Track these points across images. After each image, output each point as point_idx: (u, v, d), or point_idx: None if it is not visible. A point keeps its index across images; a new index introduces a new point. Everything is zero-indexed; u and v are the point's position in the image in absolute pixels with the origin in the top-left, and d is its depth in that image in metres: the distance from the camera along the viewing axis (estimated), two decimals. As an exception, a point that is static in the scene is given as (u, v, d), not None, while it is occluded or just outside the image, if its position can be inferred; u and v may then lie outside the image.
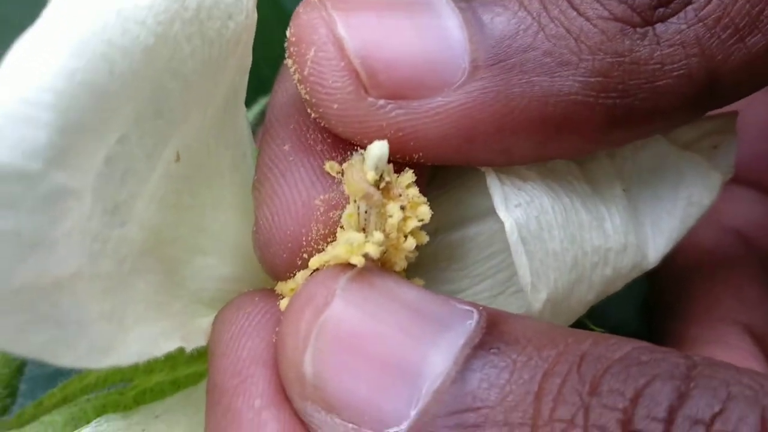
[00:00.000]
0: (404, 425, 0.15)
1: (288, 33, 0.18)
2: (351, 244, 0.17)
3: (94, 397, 0.18)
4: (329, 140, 0.18)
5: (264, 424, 0.16)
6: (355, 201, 0.17)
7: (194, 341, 0.18)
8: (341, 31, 0.17)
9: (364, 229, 0.17)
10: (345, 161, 0.18)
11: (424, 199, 0.17)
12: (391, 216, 0.17)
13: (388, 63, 0.17)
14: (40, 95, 0.13)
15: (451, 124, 0.17)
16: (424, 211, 0.17)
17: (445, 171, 0.20)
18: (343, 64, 0.17)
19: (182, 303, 0.18)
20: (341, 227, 0.18)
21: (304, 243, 0.18)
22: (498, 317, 0.16)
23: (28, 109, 0.13)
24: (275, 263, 0.18)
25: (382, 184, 0.17)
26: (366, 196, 0.17)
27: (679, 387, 0.14)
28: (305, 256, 0.18)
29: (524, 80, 0.17)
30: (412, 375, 0.15)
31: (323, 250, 0.18)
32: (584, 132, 0.18)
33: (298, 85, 0.18)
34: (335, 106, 0.17)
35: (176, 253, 0.18)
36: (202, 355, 0.19)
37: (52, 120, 0.13)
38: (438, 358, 0.15)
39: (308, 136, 0.18)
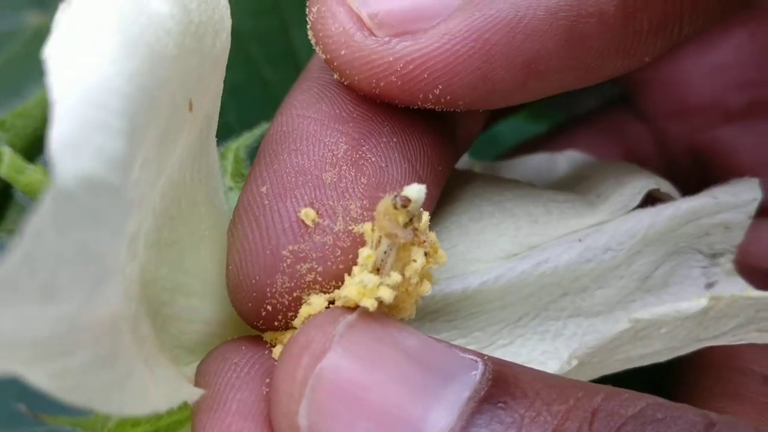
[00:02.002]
0: None
1: None
2: (365, 286, 0.16)
3: None
4: (310, 184, 0.17)
5: None
6: (374, 241, 0.16)
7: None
8: None
9: (378, 270, 0.16)
10: (325, 208, 0.17)
11: (439, 245, 0.17)
12: (415, 261, 0.16)
13: (388, 4, 0.17)
14: (108, 99, 0.12)
15: (461, 44, 0.17)
16: (442, 256, 0.17)
17: (446, 222, 0.20)
18: (342, 9, 0.17)
19: (164, 346, 0.17)
20: (359, 266, 0.17)
21: (269, 294, 0.17)
22: (504, 368, 0.15)
23: (101, 114, 0.12)
24: (243, 310, 0.17)
25: (411, 227, 0.16)
26: (393, 236, 0.16)
27: None
28: (269, 308, 0.17)
29: None
30: (414, 430, 0.14)
31: (287, 304, 0.17)
32: (599, 23, 0.17)
33: (315, 47, 0.17)
34: (343, 51, 0.17)
35: (158, 293, 0.17)
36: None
37: (124, 127, 0.12)
38: (441, 412, 0.14)
39: (289, 178, 0.17)
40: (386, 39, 0.17)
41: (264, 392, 0.16)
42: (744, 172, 0.25)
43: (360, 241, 0.17)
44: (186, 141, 0.16)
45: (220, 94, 0.17)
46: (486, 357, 0.15)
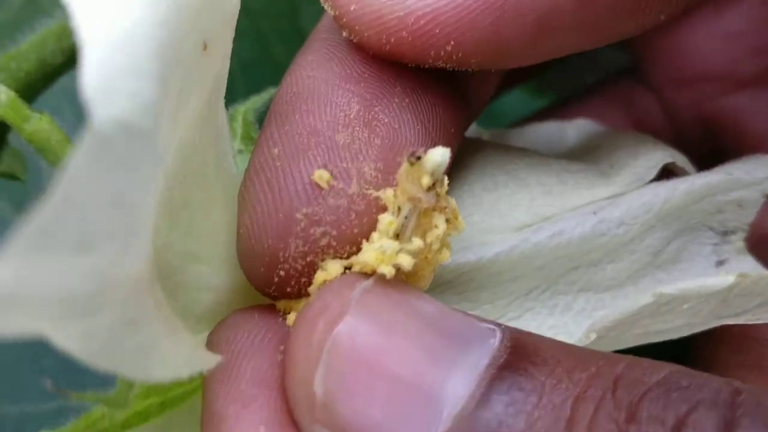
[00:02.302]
0: None
1: None
2: (383, 252, 0.15)
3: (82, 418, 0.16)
4: (324, 146, 0.17)
5: None
6: (395, 207, 0.16)
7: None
8: None
9: (397, 236, 0.16)
10: (339, 170, 0.16)
11: (459, 213, 0.16)
12: (437, 227, 0.16)
13: None
14: (139, 44, 0.12)
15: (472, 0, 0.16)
16: (461, 223, 0.16)
17: (459, 191, 0.20)
18: None
19: (176, 313, 0.16)
20: (378, 231, 0.16)
21: (282, 259, 0.16)
22: (523, 336, 0.15)
23: (133, 59, 0.11)
24: (254, 276, 0.17)
25: (434, 191, 0.15)
26: (416, 200, 0.15)
27: (725, 415, 0.13)
28: (282, 273, 0.16)
29: None
30: (432, 397, 0.14)
31: (301, 269, 0.16)
32: None
33: (324, 4, 0.17)
34: (352, 7, 0.16)
35: (168, 259, 0.16)
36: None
37: (155, 73, 0.12)
38: (460, 379, 0.14)
39: (301, 139, 0.17)
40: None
41: (278, 360, 0.16)
42: (755, 142, 0.25)
43: (375, 205, 0.16)
44: (197, 98, 0.16)
45: (229, 55, 0.17)
46: (504, 326, 0.15)
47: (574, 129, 0.24)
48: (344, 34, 0.17)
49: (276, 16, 0.32)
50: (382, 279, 0.15)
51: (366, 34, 0.17)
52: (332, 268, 0.16)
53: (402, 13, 0.16)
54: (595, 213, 0.19)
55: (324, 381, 0.14)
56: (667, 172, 0.21)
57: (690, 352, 0.22)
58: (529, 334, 0.15)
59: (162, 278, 0.16)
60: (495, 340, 0.15)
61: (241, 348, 0.16)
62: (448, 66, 0.18)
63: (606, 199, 0.19)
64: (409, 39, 0.17)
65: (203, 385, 0.16)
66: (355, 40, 0.17)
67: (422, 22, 0.16)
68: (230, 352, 0.16)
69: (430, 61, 0.17)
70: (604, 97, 0.28)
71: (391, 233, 0.16)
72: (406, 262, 0.15)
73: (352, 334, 0.14)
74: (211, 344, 0.16)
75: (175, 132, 0.14)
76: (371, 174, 0.16)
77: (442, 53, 0.17)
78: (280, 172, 0.16)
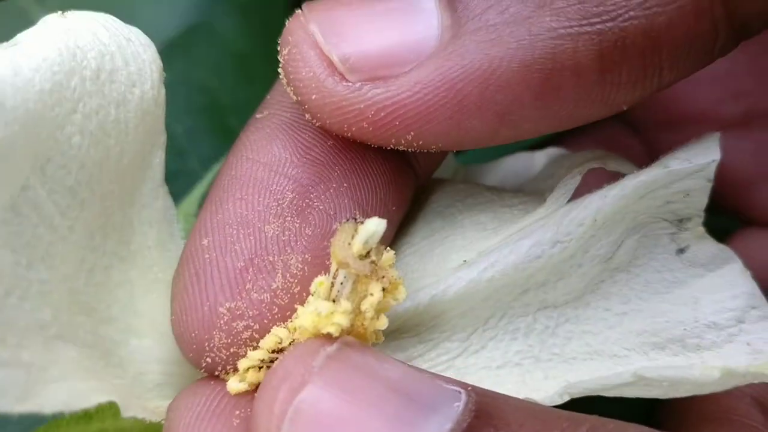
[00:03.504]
0: None
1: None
2: (319, 314, 0.16)
3: None
4: (252, 238, 0.17)
5: None
6: (333, 270, 0.16)
7: (144, 416, 0.17)
8: (312, 26, 0.17)
9: (333, 301, 0.16)
10: (264, 263, 0.17)
11: (402, 280, 0.17)
12: (372, 294, 0.16)
13: (360, 47, 0.17)
14: None
15: (433, 93, 0.17)
16: (402, 293, 0.17)
17: (400, 245, 0.20)
18: (313, 53, 0.17)
19: (125, 383, 0.17)
20: (312, 295, 0.17)
21: (207, 348, 0.17)
22: (487, 398, 0.15)
23: None
24: (187, 357, 0.17)
25: (369, 260, 0.16)
26: (345, 266, 0.16)
27: None
28: (209, 360, 0.17)
29: (504, 32, 0.16)
30: None
31: (225, 358, 0.17)
32: (574, 76, 0.16)
33: (286, 89, 0.18)
34: (314, 96, 0.17)
35: (112, 333, 0.17)
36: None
37: None
38: None
39: (231, 230, 0.17)
40: (357, 85, 0.17)
41: (234, 424, 0.16)
42: (736, 180, 0.25)
43: (298, 299, 0.17)
44: (121, 184, 0.17)
45: (163, 145, 0.18)
46: (470, 387, 0.15)
47: (543, 156, 0.24)
48: (307, 116, 0.18)
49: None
50: (345, 344, 0.16)
51: (327, 122, 0.17)
52: (254, 356, 0.17)
53: (362, 106, 0.17)
54: (525, 238, 0.19)
55: None
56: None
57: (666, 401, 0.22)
58: (495, 395, 0.15)
59: (106, 354, 0.17)
60: (460, 404, 0.15)
61: (198, 414, 0.16)
62: (409, 149, 0.18)
63: (537, 221, 0.19)
64: (370, 129, 0.17)
65: None
66: (317, 125, 0.18)
67: (382, 114, 0.17)
68: (188, 418, 0.16)
69: (392, 146, 0.18)
70: (586, 136, 0.28)
71: (322, 294, 0.16)
72: (343, 320, 0.16)
73: (315, 402, 0.15)
74: (170, 411, 0.17)
75: (71, 214, 0.16)
76: (298, 267, 0.17)
77: (403, 141, 0.17)
78: (207, 264, 0.17)
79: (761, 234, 0.25)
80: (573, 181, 0.19)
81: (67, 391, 0.14)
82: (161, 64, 0.18)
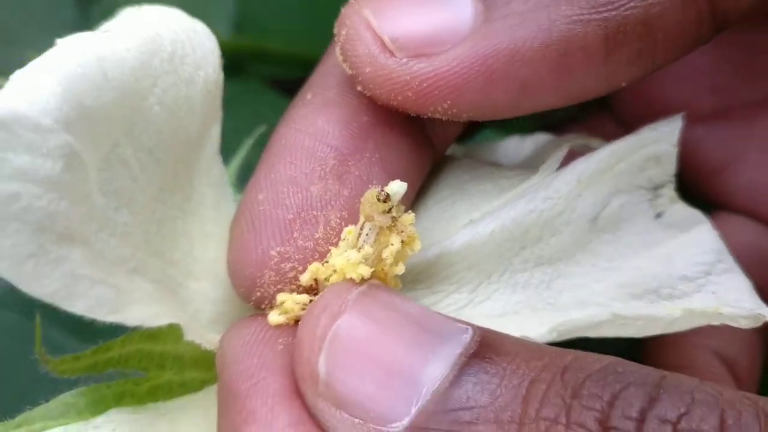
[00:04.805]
0: (405, 421, 0.17)
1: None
2: (348, 259, 0.19)
3: (114, 384, 0.19)
4: (299, 195, 0.20)
5: (277, 416, 0.18)
6: (361, 223, 0.20)
7: (201, 342, 0.20)
8: (366, 12, 0.20)
9: (359, 249, 0.20)
10: (309, 217, 0.20)
11: (417, 234, 0.20)
12: (392, 245, 0.19)
13: (407, 29, 0.20)
14: (48, 83, 0.17)
15: (468, 68, 0.20)
16: (417, 245, 0.20)
17: (417, 208, 0.23)
18: (368, 34, 0.20)
19: (186, 317, 0.20)
20: (342, 241, 0.20)
21: (257, 284, 0.20)
22: (490, 333, 0.18)
23: (40, 80, 0.16)
24: (239, 294, 0.21)
25: (390, 215, 0.19)
26: (371, 219, 0.19)
27: (650, 392, 0.16)
28: (258, 294, 0.20)
29: (527, 18, 0.20)
30: (414, 379, 0.17)
31: (272, 293, 0.20)
32: (585, 55, 0.20)
33: (342, 64, 0.21)
34: (368, 69, 0.20)
35: (176, 275, 0.20)
36: (206, 362, 0.21)
37: (59, 103, 0.16)
38: (437, 365, 0.17)
39: (282, 188, 0.20)
40: (404, 60, 0.20)
41: (279, 350, 0.19)
42: (711, 170, 0.28)
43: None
44: (187, 149, 0.20)
45: (219, 120, 0.21)
46: (474, 325, 0.18)
47: (532, 141, 0.27)
48: (358, 88, 0.21)
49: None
50: (374, 284, 0.19)
51: (377, 92, 0.21)
52: (313, 268, 0.20)
53: (408, 77, 0.20)
54: (522, 197, 0.22)
55: (326, 364, 0.18)
56: None
57: (641, 351, 0.25)
58: (495, 333, 0.19)
59: (171, 291, 0.20)
60: (467, 336, 0.18)
61: (250, 340, 0.20)
62: (444, 117, 0.21)
63: (531, 185, 0.22)
64: (414, 98, 0.20)
65: (218, 373, 0.19)
66: (368, 95, 0.21)
67: (424, 84, 0.20)
68: (241, 344, 0.19)
69: (429, 113, 0.21)
70: (577, 125, 0.31)
71: (350, 241, 0.20)
72: (365, 271, 0.19)
73: (349, 328, 0.18)
74: (225, 339, 0.20)
75: (150, 170, 0.19)
76: (336, 221, 0.20)
77: (440, 109, 0.21)
78: (261, 215, 0.20)
79: (730, 218, 0.28)
80: (561, 153, 0.23)
81: (144, 312, 0.18)
82: (220, 53, 0.21)
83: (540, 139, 0.26)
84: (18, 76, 0.16)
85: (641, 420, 0.16)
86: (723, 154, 0.28)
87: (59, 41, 0.17)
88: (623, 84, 0.22)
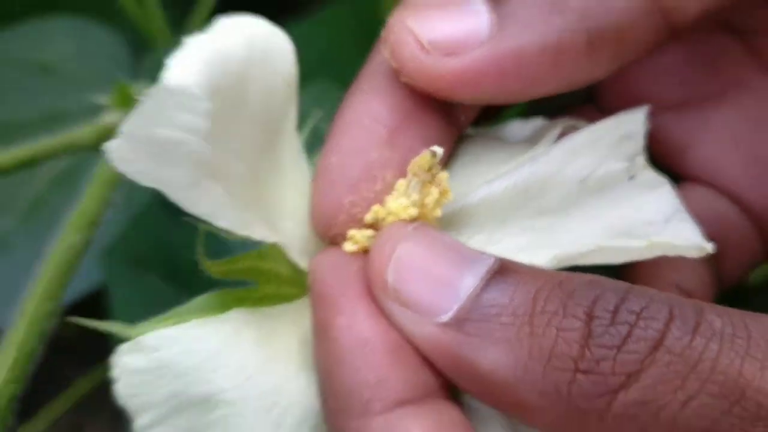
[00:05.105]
0: (450, 314, 0.22)
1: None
2: (400, 204, 0.25)
3: (235, 290, 0.25)
4: (363, 159, 0.26)
5: (359, 309, 0.24)
6: (408, 178, 0.26)
7: (297, 262, 0.26)
8: (409, 22, 0.26)
9: (408, 197, 0.26)
10: (371, 175, 0.26)
11: (449, 188, 0.26)
12: (432, 194, 0.26)
13: (440, 35, 0.26)
14: (196, 66, 0.22)
15: (485, 65, 0.25)
16: (450, 196, 0.26)
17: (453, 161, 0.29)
18: (411, 38, 0.26)
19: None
20: (388, 195, 0.26)
21: (333, 224, 0.26)
22: (506, 260, 0.24)
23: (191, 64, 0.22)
24: (319, 234, 0.27)
25: (431, 173, 0.25)
26: (419, 175, 0.25)
27: (622, 295, 0.21)
28: (334, 232, 0.26)
29: (530, 28, 0.25)
30: (455, 287, 0.23)
31: (344, 232, 0.26)
32: (573, 56, 0.26)
33: (390, 61, 0.26)
34: (411, 65, 0.26)
35: (272, 214, 0.26)
36: (297, 281, 0.27)
37: (204, 80, 0.22)
38: (470, 278, 0.23)
39: (349, 153, 0.26)
40: (438, 58, 0.26)
41: (354, 268, 0.25)
42: (676, 147, 0.34)
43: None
44: (275, 130, 0.26)
45: (296, 105, 0.27)
46: (495, 255, 0.24)
47: (532, 124, 0.32)
48: (403, 79, 0.27)
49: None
50: (422, 223, 0.25)
51: (418, 82, 0.26)
52: (375, 210, 0.26)
53: (441, 71, 0.26)
54: (528, 161, 0.28)
55: (392, 275, 0.24)
56: None
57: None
58: (510, 260, 0.24)
59: (267, 227, 0.26)
60: (490, 261, 0.24)
61: (333, 262, 0.26)
62: (467, 102, 0.27)
63: (535, 154, 0.28)
64: (445, 86, 0.26)
65: (310, 285, 0.25)
66: (412, 84, 0.27)
67: (454, 77, 0.26)
68: (326, 265, 0.25)
69: (457, 99, 0.27)
70: (567, 115, 0.37)
71: (401, 191, 0.26)
72: (413, 212, 0.26)
73: (407, 251, 0.24)
74: (312, 265, 0.26)
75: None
76: (390, 178, 0.26)
77: (465, 96, 0.26)
78: (335, 174, 0.26)
79: (693, 187, 0.33)
80: (556, 131, 0.29)
81: (261, 232, 0.24)
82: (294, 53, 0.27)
83: (538, 122, 0.32)
84: (176, 59, 0.22)
85: (615, 311, 0.21)
86: (686, 136, 0.33)
87: (192, 38, 0.23)
88: (602, 77, 0.28)
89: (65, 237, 0.34)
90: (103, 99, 0.38)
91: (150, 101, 0.20)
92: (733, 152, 0.31)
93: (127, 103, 0.37)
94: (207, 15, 0.61)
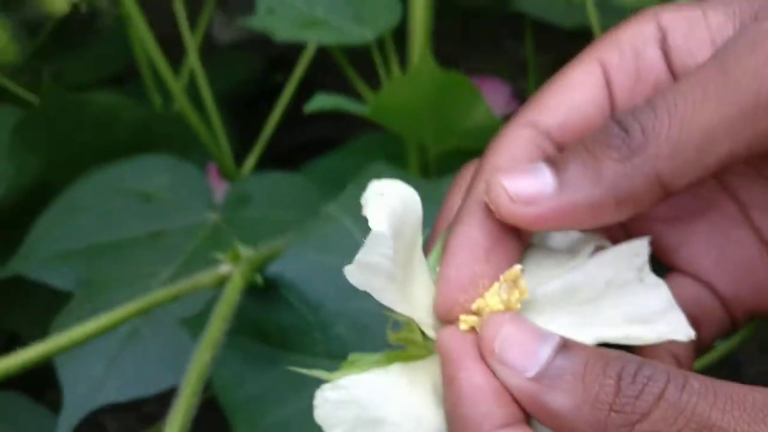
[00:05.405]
0: (533, 372, 0.27)
1: None
2: (495, 301, 0.30)
3: (393, 352, 0.31)
4: (468, 272, 0.30)
5: (473, 366, 0.29)
6: (499, 284, 0.30)
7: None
8: (502, 180, 0.30)
9: (500, 296, 0.30)
10: (473, 283, 0.30)
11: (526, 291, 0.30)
12: (515, 295, 0.30)
13: (520, 190, 0.30)
14: (383, 216, 0.28)
15: (551, 213, 0.30)
16: (525, 293, 0.30)
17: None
18: (503, 191, 0.30)
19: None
20: (486, 293, 0.30)
21: (451, 314, 0.30)
22: (566, 338, 0.28)
23: (379, 214, 0.28)
24: (440, 316, 0.28)
25: (515, 281, 0.30)
26: (509, 281, 0.30)
27: (638, 365, 0.27)
28: (451, 318, 0.30)
29: (583, 187, 0.30)
30: (537, 354, 0.28)
31: (456, 318, 0.30)
32: (616, 206, 0.30)
33: (488, 203, 0.31)
34: (503, 209, 0.30)
35: (410, 302, 0.31)
36: (427, 346, 0.31)
37: (389, 226, 0.28)
38: (546, 349, 0.28)
39: (458, 266, 0.30)
40: (521, 206, 0.30)
41: (469, 339, 0.29)
42: (667, 250, 0.36)
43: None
44: (412, 253, 0.31)
45: (422, 237, 0.32)
46: (558, 334, 0.28)
47: (568, 235, 0.35)
48: (497, 216, 0.30)
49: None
50: (511, 314, 0.29)
51: (506, 219, 0.30)
52: (468, 317, 0.30)
53: (522, 215, 0.30)
54: (571, 270, 0.32)
55: (498, 346, 0.28)
56: None
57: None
58: (569, 339, 0.28)
59: (409, 310, 0.30)
60: (558, 338, 0.28)
61: (452, 333, 0.30)
62: (541, 231, 0.32)
63: (574, 265, 0.33)
64: (524, 223, 0.30)
65: (438, 350, 0.29)
66: (500, 218, 0.30)
67: (530, 219, 0.30)
68: (448, 335, 0.30)
69: (534, 229, 0.31)
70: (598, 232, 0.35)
71: (495, 292, 0.29)
72: (502, 306, 0.29)
73: (507, 331, 0.28)
74: (438, 334, 0.30)
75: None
76: (486, 284, 0.30)
77: (541, 228, 0.30)
78: (452, 281, 0.30)
79: (680, 276, 0.35)
80: (590, 248, 0.33)
81: (407, 310, 0.30)
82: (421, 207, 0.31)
83: (573, 234, 0.35)
84: (371, 212, 0.28)
85: (634, 375, 0.26)
86: (675, 241, 0.37)
87: (371, 195, 0.29)
88: (622, 220, 0.30)
89: (201, 354, 0.41)
90: (222, 258, 0.47)
91: (367, 242, 0.27)
92: (709, 254, 0.35)
93: (236, 258, 0.46)
94: (258, 157, 0.75)
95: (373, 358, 0.31)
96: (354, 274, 0.29)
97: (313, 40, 0.60)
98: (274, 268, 0.46)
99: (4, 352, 0.41)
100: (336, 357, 0.44)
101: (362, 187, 0.46)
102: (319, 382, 0.30)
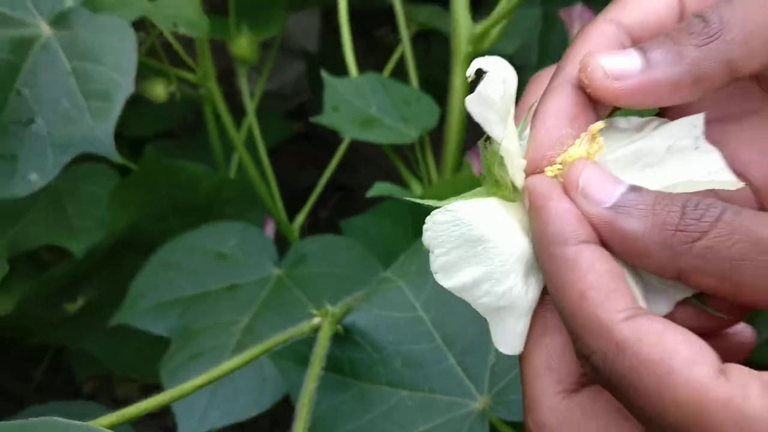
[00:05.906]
0: (610, 202, 0.31)
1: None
2: (579, 152, 0.33)
3: (493, 188, 0.35)
4: (557, 131, 0.33)
5: (560, 197, 0.33)
6: (583, 136, 0.33)
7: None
8: (599, 58, 0.33)
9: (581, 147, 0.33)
10: (560, 141, 0.33)
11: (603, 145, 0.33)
12: (594, 147, 0.33)
13: (613, 68, 0.33)
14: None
15: (638, 88, 0.33)
16: (602, 148, 0.33)
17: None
18: (599, 68, 0.33)
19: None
20: (571, 145, 0.33)
21: (541, 164, 0.33)
22: (637, 185, 0.32)
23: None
24: (530, 167, 0.34)
25: (595, 135, 0.33)
26: (591, 135, 0.33)
27: (700, 198, 0.31)
28: (540, 168, 0.33)
29: (663, 67, 0.33)
30: (613, 189, 0.31)
31: (543, 167, 0.33)
32: (693, 85, 0.33)
33: (583, 78, 0.33)
34: (597, 83, 0.33)
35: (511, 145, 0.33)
36: (514, 194, 0.35)
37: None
38: (621, 187, 0.31)
39: (549, 127, 0.34)
40: (612, 81, 0.33)
41: (556, 182, 0.33)
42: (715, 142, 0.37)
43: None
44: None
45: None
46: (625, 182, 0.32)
47: (633, 120, 0.37)
48: (588, 90, 0.33)
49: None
50: (591, 160, 0.32)
51: (597, 93, 0.33)
52: (552, 168, 0.33)
53: (613, 89, 0.32)
54: (639, 139, 0.35)
55: (582, 181, 0.32)
56: None
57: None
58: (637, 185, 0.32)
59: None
60: (627, 183, 0.31)
61: (541, 178, 0.33)
62: (622, 107, 0.34)
63: (642, 135, 0.35)
64: (613, 98, 0.33)
65: (528, 194, 0.33)
66: (590, 93, 0.33)
67: (618, 93, 0.33)
68: (537, 180, 0.33)
69: (623, 106, 0.33)
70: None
71: (578, 145, 0.33)
72: (584, 155, 0.33)
73: (590, 170, 0.32)
74: (527, 181, 0.34)
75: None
76: (570, 143, 0.33)
77: (630, 103, 0.33)
78: (543, 139, 0.33)
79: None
80: (655, 123, 0.36)
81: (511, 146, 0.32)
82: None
83: (634, 119, 0.38)
84: (488, 65, 0.31)
85: (696, 204, 0.29)
86: (719, 140, 0.38)
87: (490, 62, 0.32)
88: (693, 100, 0.33)
89: (309, 384, 0.49)
90: (315, 312, 0.55)
91: (485, 78, 0.31)
92: (750, 151, 0.38)
93: (326, 313, 0.54)
94: (306, 215, 0.89)
95: (473, 192, 0.35)
96: (473, 104, 0.32)
97: (372, 139, 0.68)
98: (348, 320, 0.56)
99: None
100: (394, 385, 0.54)
101: (411, 256, 0.59)
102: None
